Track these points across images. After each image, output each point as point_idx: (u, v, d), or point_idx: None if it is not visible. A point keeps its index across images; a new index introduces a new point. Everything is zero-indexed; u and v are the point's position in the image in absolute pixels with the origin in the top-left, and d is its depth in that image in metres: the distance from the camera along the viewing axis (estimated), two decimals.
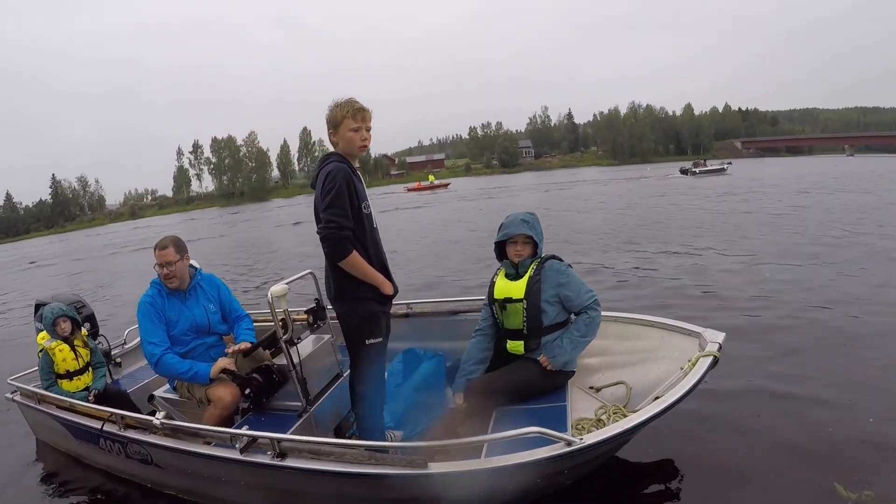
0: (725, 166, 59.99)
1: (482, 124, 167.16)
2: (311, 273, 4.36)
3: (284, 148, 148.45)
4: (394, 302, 3.81)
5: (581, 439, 2.90)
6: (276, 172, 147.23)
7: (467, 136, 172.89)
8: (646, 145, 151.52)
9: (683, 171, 58.03)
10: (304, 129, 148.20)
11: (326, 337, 4.35)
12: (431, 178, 77.72)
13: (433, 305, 5.37)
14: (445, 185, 72.02)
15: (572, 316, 4.00)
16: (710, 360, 3.47)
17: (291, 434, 3.50)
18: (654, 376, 3.99)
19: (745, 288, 8.95)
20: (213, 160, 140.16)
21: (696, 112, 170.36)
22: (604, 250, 14.10)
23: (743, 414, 4.53)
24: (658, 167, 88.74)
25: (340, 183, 3.21)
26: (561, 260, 4.01)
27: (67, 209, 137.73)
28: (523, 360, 3.94)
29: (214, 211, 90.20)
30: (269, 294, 3.65)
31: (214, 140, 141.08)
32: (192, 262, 4.55)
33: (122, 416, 4.02)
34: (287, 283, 3.86)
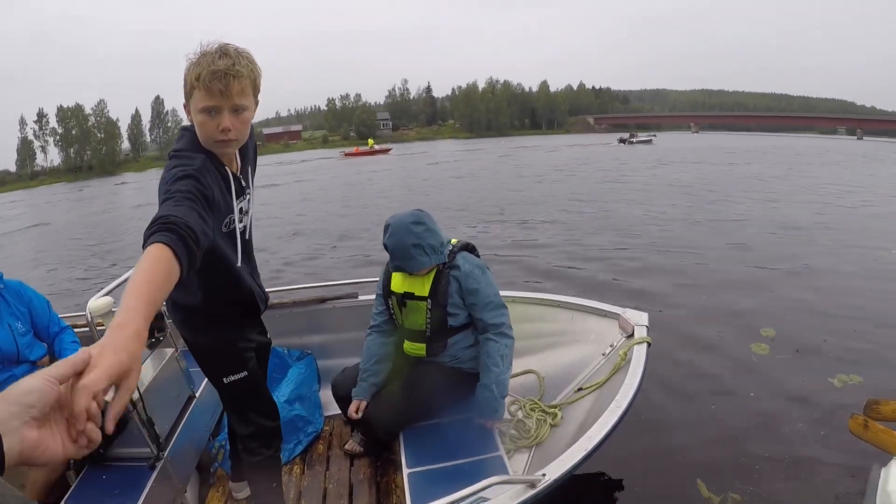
0: (651, 138, 79.86)
1: (341, 96, 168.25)
2: None
3: (136, 118, 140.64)
4: None
5: (543, 475, 2.31)
6: (126, 144, 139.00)
7: (325, 108, 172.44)
8: (502, 119, 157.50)
9: (622, 141, 75.30)
10: (157, 97, 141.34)
11: (169, 352, 3.17)
12: (371, 142, 76.77)
13: (294, 293, 4.41)
14: (386, 151, 70.12)
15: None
16: (644, 346, 3.11)
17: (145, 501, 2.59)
18: (567, 363, 3.62)
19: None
20: (60, 131, 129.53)
21: (552, 89, 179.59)
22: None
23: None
24: (512, 140, 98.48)
25: (191, 188, 1.91)
26: (475, 253, 3.30)
27: None
28: (426, 365, 3.33)
29: (60, 187, 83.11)
30: (87, 311, 2.79)
31: (60, 109, 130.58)
32: None
33: None
34: (111, 293, 2.95)
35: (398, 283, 3.25)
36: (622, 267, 9.14)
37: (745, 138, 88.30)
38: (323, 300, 4.29)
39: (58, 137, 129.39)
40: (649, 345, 3.12)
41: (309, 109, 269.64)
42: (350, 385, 3.35)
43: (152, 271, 1.33)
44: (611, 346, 3.28)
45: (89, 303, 2.83)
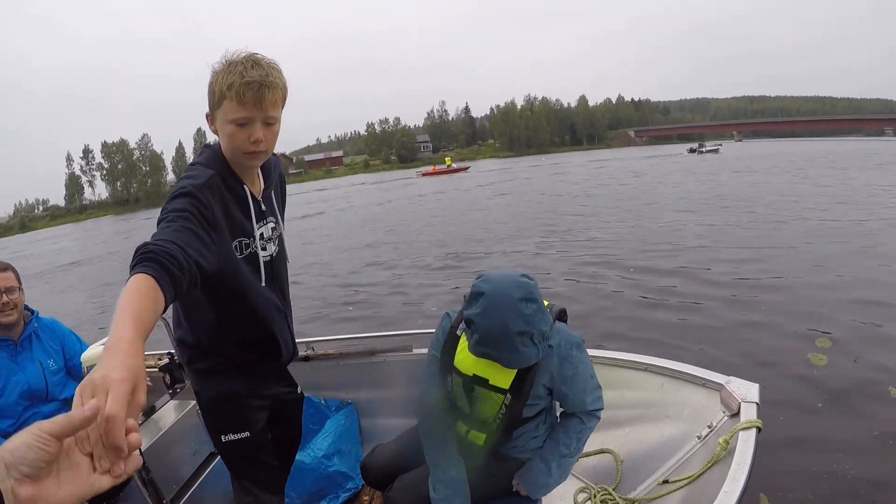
0: (718, 147, 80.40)
1: (380, 120, 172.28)
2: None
3: (179, 150, 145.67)
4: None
5: None
6: (171, 176, 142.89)
7: (365, 133, 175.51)
8: (542, 136, 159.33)
9: (691, 150, 77.99)
10: (199, 129, 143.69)
11: (190, 404, 3.04)
12: (448, 160, 77.56)
13: (341, 344, 3.90)
14: (465, 169, 70.89)
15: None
16: (752, 432, 2.32)
17: None
18: (652, 444, 2.90)
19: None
20: (106, 165, 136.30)
21: (591, 103, 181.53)
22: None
23: None
24: (552, 157, 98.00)
25: (187, 206, 1.77)
26: (576, 338, 2.33)
27: None
28: (491, 461, 2.55)
29: (108, 220, 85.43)
30: (81, 364, 2.44)
31: (105, 144, 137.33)
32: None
33: None
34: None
35: (470, 362, 2.30)
36: (735, 303, 7.67)
37: (793, 144, 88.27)
38: (373, 353, 3.74)
39: (104, 172, 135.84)
40: (759, 430, 2.33)
41: (349, 135, 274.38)
42: (384, 471, 2.67)
43: (135, 298, 1.27)
44: (709, 426, 2.60)
45: (83, 354, 2.69)
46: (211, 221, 1.80)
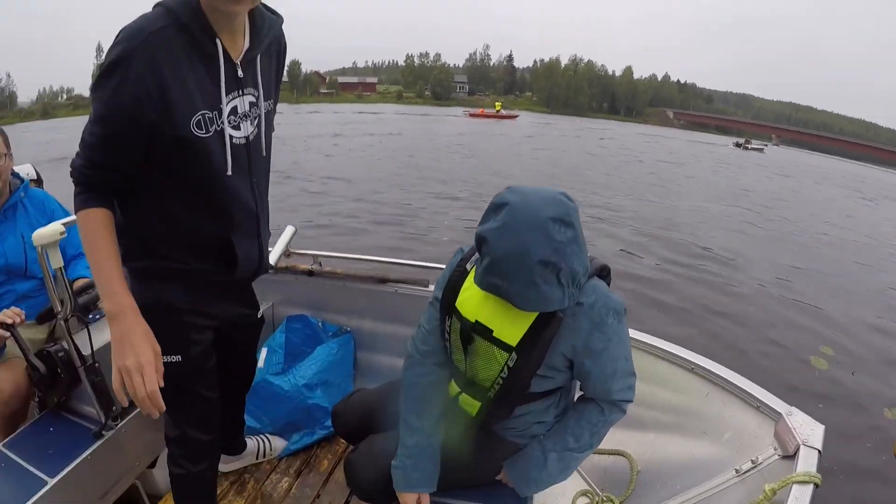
0: (763, 147, 78.66)
1: (420, 53, 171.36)
2: None
3: None
4: (295, 250, 3.11)
5: None
6: None
7: (403, 64, 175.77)
8: (581, 99, 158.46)
9: (737, 145, 78.05)
10: None
11: None
12: (498, 105, 77.88)
13: (351, 265, 3.53)
14: (514, 117, 70.66)
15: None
16: (810, 489, 1.79)
17: (59, 479, 2.11)
18: (678, 460, 2.43)
19: None
20: None
21: (636, 76, 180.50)
22: None
23: None
24: (590, 122, 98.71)
25: (122, 76, 1.44)
26: (617, 303, 1.72)
27: None
28: (481, 438, 2.02)
29: None
30: (35, 243, 2.16)
31: None
32: (19, 168, 3.07)
33: None
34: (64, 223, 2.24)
35: (475, 303, 1.75)
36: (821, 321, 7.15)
37: (830, 161, 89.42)
38: (384, 280, 3.33)
39: None
40: (817, 486, 1.80)
41: (386, 64, 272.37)
42: (355, 423, 2.24)
43: (108, 243, 1.56)
44: (752, 461, 2.09)
45: (35, 232, 2.24)
46: (146, 100, 1.45)
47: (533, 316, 1.64)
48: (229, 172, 1.68)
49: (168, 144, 1.53)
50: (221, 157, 1.65)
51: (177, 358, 1.83)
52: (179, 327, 1.84)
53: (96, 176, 1.56)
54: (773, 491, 1.81)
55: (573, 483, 2.49)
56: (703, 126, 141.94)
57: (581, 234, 1.56)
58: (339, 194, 12.29)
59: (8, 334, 2.44)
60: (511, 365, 1.70)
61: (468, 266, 1.80)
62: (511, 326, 1.67)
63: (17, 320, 2.45)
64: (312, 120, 46.53)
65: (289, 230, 3.33)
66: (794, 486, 1.78)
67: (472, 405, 1.90)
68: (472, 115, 68.01)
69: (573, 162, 23.51)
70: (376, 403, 2.21)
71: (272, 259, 3.16)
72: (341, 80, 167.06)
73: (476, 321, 1.72)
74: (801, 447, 1.91)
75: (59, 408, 2.51)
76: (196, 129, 1.55)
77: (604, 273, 1.80)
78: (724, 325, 6.56)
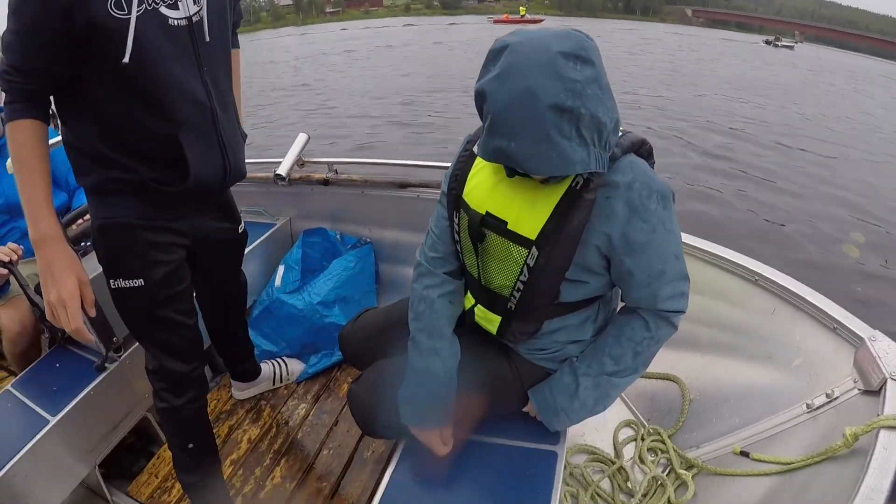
0: (792, 44, 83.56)
1: None
2: None
3: None
4: (309, 159, 3.03)
5: None
6: None
7: None
8: (595, 1, 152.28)
9: (767, 42, 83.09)
10: None
11: None
12: (523, 10, 79.15)
13: (369, 170, 3.30)
14: (539, 21, 71.80)
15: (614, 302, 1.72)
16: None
17: (61, 416, 2.07)
18: (738, 390, 2.15)
19: None
20: None
21: None
22: None
23: None
24: (612, 22, 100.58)
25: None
26: (661, 186, 1.35)
27: None
28: (502, 361, 1.72)
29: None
30: (9, 171, 2.44)
31: None
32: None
33: None
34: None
35: (484, 191, 1.45)
36: None
37: (859, 59, 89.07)
38: (403, 185, 3.09)
39: None
40: None
41: None
42: (363, 346, 1.96)
43: (28, 155, 1.40)
44: (827, 395, 1.79)
45: (6, 162, 2.50)
46: None
47: (555, 200, 1.32)
48: (166, 57, 1.44)
49: (87, 30, 1.31)
50: (153, 41, 1.40)
51: (138, 282, 1.68)
52: (139, 247, 1.66)
53: (23, 82, 1.37)
54: (856, 436, 1.52)
55: (615, 412, 2.27)
56: (724, 23, 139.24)
57: (605, 77, 1.19)
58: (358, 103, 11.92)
59: (6, 271, 2.38)
60: (531, 264, 1.39)
61: (475, 149, 1.49)
62: (529, 215, 1.36)
63: (15, 257, 2.35)
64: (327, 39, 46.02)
65: (301, 138, 3.14)
66: (882, 433, 1.49)
67: (490, 320, 1.62)
68: (496, 22, 70.18)
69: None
70: (386, 324, 1.93)
71: (283, 169, 3.03)
72: None
73: (486, 213, 1.43)
74: (889, 381, 1.61)
75: (67, 342, 2.47)
76: (114, 9, 1.31)
77: (643, 151, 1.42)
78: None
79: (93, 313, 1.57)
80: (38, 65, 1.35)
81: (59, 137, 2.20)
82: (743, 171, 8.04)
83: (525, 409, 1.73)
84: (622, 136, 1.34)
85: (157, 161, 1.55)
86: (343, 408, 2.57)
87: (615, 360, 1.50)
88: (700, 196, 6.86)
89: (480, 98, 1.21)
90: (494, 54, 1.19)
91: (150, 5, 1.37)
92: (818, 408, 1.82)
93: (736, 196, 6.94)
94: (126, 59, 1.36)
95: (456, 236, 1.56)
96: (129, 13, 1.33)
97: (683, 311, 1.47)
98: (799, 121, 12.67)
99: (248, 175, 2.36)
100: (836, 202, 7.04)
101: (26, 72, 1.35)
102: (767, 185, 7.41)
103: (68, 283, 1.44)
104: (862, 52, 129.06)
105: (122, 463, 2.47)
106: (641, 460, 2.08)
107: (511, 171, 1.35)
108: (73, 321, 1.46)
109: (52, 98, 1.48)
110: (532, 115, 1.11)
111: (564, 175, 1.21)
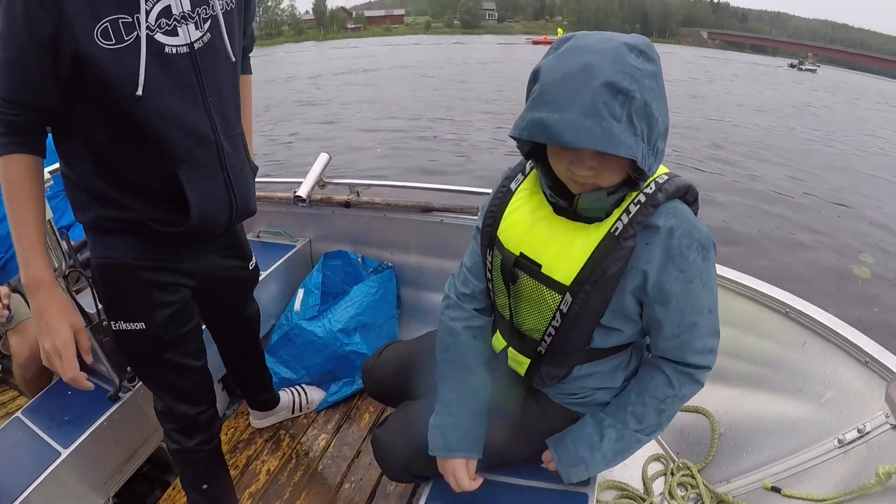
0: (815, 68, 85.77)
1: None
2: None
3: None
4: (330, 180, 3.00)
5: None
6: None
7: None
8: (612, 21, 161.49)
9: (792, 66, 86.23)
10: None
11: None
12: (560, 31, 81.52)
13: (392, 193, 3.23)
14: None
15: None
16: None
17: (73, 448, 2.00)
18: (769, 425, 2.09)
19: None
20: None
21: None
22: None
23: None
24: None
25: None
26: (704, 234, 1.28)
27: None
28: (531, 405, 1.67)
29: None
30: None
31: None
32: None
33: None
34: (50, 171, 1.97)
35: (519, 231, 1.40)
36: None
37: (879, 81, 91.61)
38: (427, 209, 3.01)
39: None
40: None
41: None
42: (387, 382, 1.91)
43: (20, 193, 1.31)
44: (859, 430, 1.75)
45: None
46: (39, 11, 1.18)
47: (592, 245, 1.27)
48: (161, 89, 1.34)
49: (74, 62, 1.24)
50: (145, 72, 1.30)
51: (139, 325, 1.59)
52: (140, 289, 1.58)
53: (11, 114, 1.27)
54: (889, 475, 1.48)
55: (644, 446, 2.22)
56: (739, 45, 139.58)
57: (662, 82, 1.15)
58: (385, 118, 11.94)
59: (7, 312, 2.43)
60: (564, 310, 1.34)
61: (513, 186, 1.45)
62: (565, 260, 1.31)
63: (6, 301, 2.43)
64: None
65: (322, 158, 3.08)
66: None
67: (519, 362, 1.56)
68: (535, 43, 76.31)
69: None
70: (411, 359, 1.86)
71: (304, 191, 2.95)
72: (368, 13, 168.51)
73: (521, 254, 1.38)
74: None
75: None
76: (101, 39, 1.23)
77: (689, 198, 1.34)
78: None
79: (90, 360, 1.49)
80: (27, 99, 1.27)
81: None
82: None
83: (542, 458, 1.66)
84: (667, 180, 1.29)
85: (157, 199, 1.47)
86: (364, 440, 2.52)
87: (638, 419, 1.47)
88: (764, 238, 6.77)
89: (535, 77, 1.17)
90: (559, 43, 1.18)
91: (141, 33, 1.28)
92: (850, 443, 1.78)
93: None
94: (115, 92, 1.29)
95: (488, 274, 1.51)
96: (117, 43, 1.25)
97: (710, 368, 1.42)
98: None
99: (268, 194, 2.33)
100: None
101: (15, 103, 1.27)
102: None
103: (62, 331, 1.39)
104: (874, 73, 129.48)
105: (137, 492, 2.41)
106: (671, 496, 2.02)
107: (557, 208, 1.32)
108: (69, 370, 1.41)
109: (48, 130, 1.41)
110: (585, 88, 1.06)
111: (606, 151, 1.09)
